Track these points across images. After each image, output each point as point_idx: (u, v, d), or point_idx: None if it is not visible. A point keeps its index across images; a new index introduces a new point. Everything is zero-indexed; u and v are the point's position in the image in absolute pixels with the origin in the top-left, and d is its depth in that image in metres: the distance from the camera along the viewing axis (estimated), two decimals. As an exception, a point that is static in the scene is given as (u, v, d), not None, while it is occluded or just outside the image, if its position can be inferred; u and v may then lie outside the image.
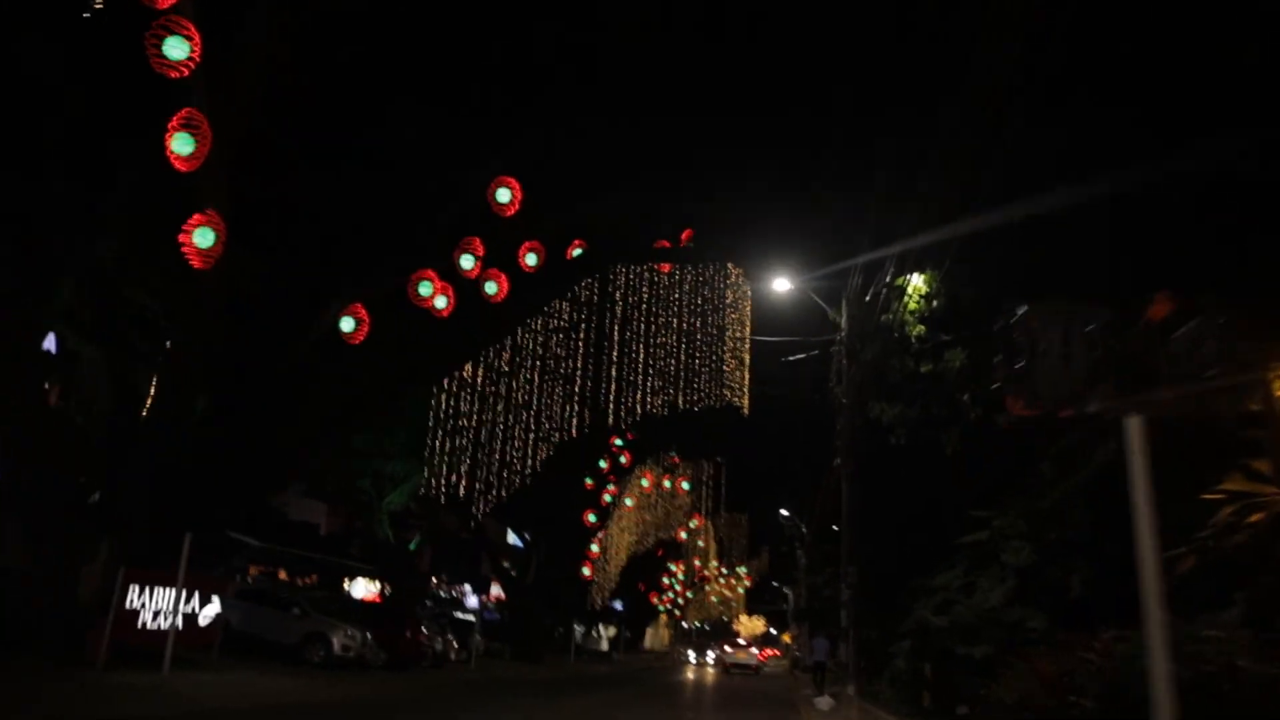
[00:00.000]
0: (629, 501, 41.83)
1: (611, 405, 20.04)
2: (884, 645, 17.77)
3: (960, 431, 17.28)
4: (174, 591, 13.93)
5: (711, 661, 40.74)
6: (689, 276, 21.59)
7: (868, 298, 15.64)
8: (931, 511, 21.00)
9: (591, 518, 39.99)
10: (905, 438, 17.55)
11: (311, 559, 29.99)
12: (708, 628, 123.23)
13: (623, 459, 41.49)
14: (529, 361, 19.60)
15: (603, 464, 38.86)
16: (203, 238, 12.88)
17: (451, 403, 20.02)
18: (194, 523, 14.12)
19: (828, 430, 22.41)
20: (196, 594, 15.17)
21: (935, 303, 15.46)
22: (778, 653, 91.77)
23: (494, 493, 22.76)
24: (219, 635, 16.30)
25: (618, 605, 68.70)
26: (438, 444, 20.66)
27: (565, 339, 19.54)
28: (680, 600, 75.51)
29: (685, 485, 41.15)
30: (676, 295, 20.92)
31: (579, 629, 53.74)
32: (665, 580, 66.28)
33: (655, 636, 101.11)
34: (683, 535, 67.16)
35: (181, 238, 12.74)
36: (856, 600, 13.76)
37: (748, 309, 23.15)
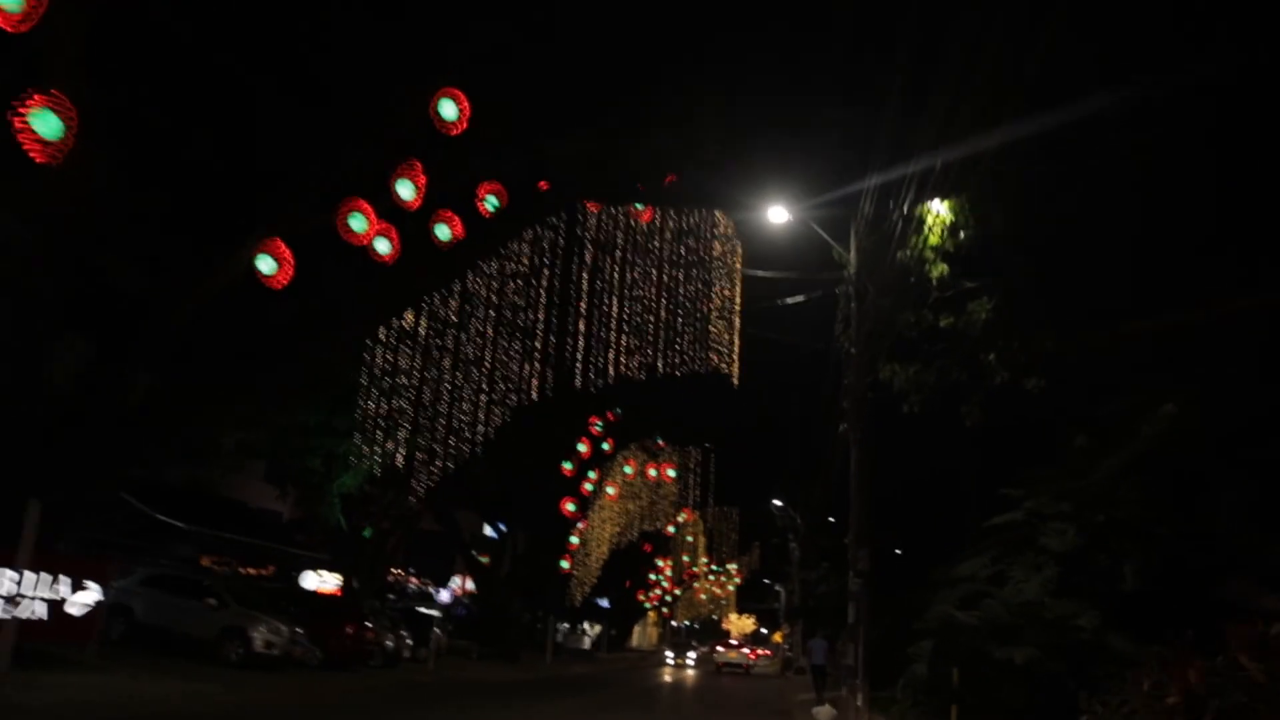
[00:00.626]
0: (611, 490, 39.14)
1: (580, 365, 17.27)
2: (893, 646, 15.24)
3: (983, 399, 14.67)
4: (14, 573, 11.17)
5: (692, 661, 37.33)
6: (671, 224, 18.88)
7: (884, 229, 12.99)
8: (949, 490, 18.35)
9: (570, 507, 37.28)
10: (920, 406, 14.87)
11: (253, 545, 27.24)
12: (697, 626, 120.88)
13: (605, 445, 38.84)
14: (482, 311, 16.82)
15: (581, 448, 36.15)
16: (44, 123, 10.13)
17: (388, 358, 17.21)
18: (48, 489, 11.37)
19: (829, 400, 19.75)
20: (64, 578, 12.42)
21: (963, 234, 12.81)
22: (768, 653, 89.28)
23: (439, 463, 19.99)
24: (98, 627, 13.55)
25: (604, 603, 66.17)
26: (371, 407, 17.86)
27: (525, 286, 16.81)
28: (669, 598, 72.83)
29: (671, 473, 38.46)
30: (656, 244, 18.23)
31: (561, 626, 51.06)
32: (652, 577, 63.62)
33: (643, 635, 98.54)
34: (671, 530, 64.64)
35: (15, 120, 9.99)
36: (865, 592, 11.18)
37: (738, 264, 20.47)
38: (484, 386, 17.91)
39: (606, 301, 17.25)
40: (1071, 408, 16.57)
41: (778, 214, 14.40)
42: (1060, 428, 16.46)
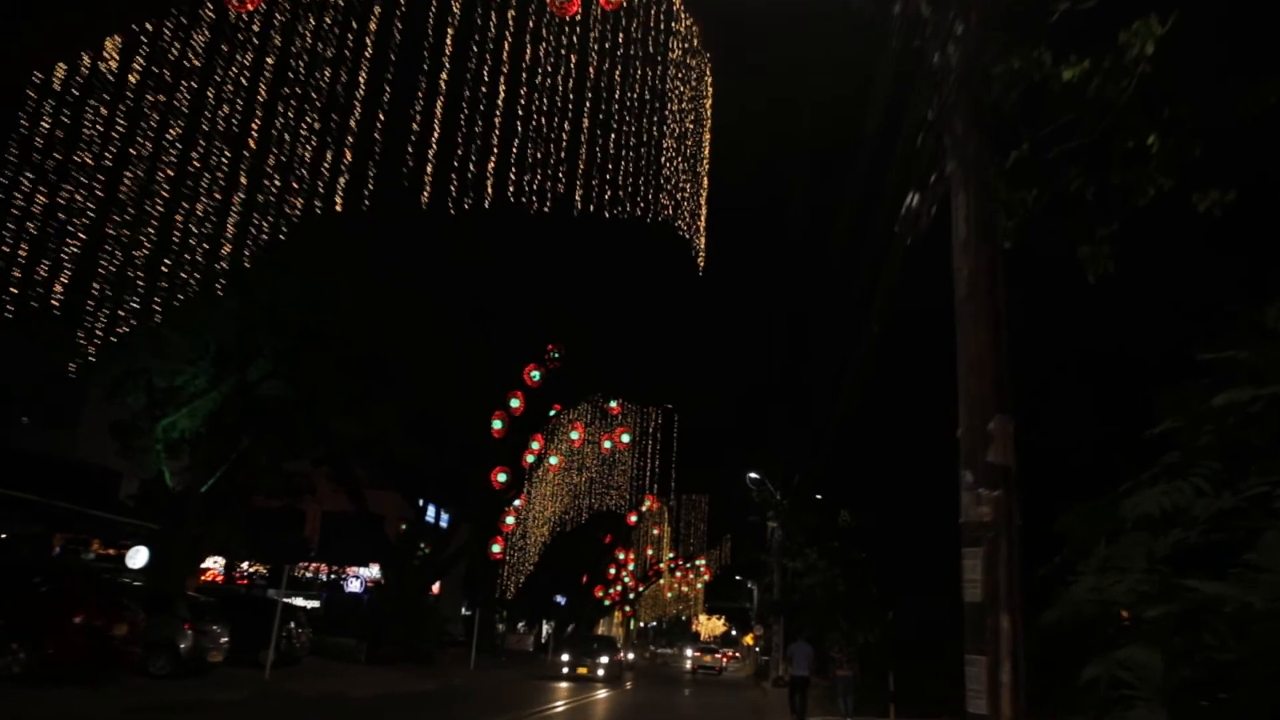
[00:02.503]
0: (554, 460, 32.36)
1: (428, 168, 10.54)
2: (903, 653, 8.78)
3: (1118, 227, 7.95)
4: None
5: (602, 674, 28.56)
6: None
7: None
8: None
9: (501, 477, 30.44)
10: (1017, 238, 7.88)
11: (54, 510, 20.26)
12: (665, 626, 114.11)
13: (553, 412, 32.18)
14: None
15: (515, 403, 29.35)
16: None
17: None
18: None
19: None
20: None
21: None
22: (737, 654, 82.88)
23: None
24: None
25: (562, 599, 59.42)
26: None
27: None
28: (631, 595, 66.09)
29: (625, 438, 31.75)
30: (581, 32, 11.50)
31: (501, 625, 44.35)
32: (611, 571, 56.84)
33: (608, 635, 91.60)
34: (633, 519, 58.06)
35: None
36: (1011, 517, 4.50)
37: (708, 95, 13.82)
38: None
39: (484, 83, 10.46)
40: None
41: None
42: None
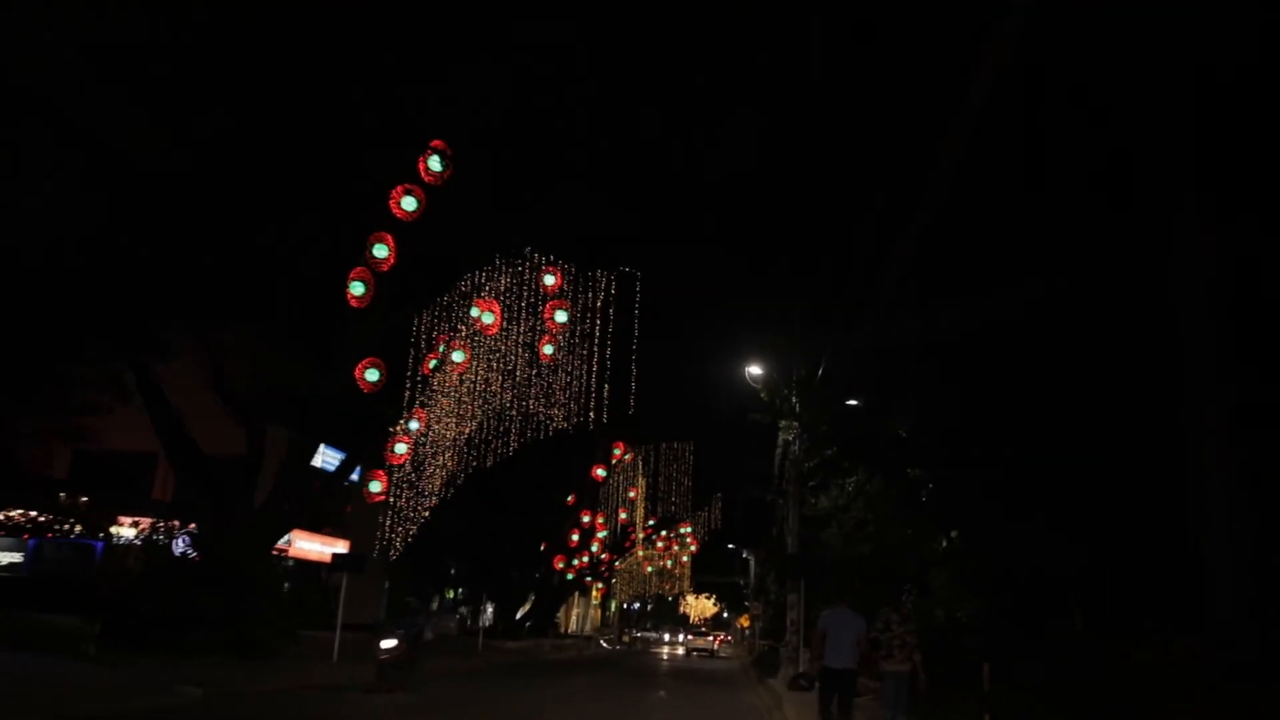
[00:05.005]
0: (459, 356, 21.76)
1: None
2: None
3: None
4: None
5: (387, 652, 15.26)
6: None
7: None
8: None
9: (371, 375, 19.94)
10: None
11: None
12: (650, 607, 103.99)
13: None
14: None
15: (382, 252, 18.83)
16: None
17: None
18: None
19: None
20: None
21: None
22: (729, 638, 73.33)
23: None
24: None
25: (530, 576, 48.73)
26: None
27: None
28: (604, 569, 55.59)
29: (561, 316, 21.10)
30: None
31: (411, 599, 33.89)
32: (575, 538, 46.29)
33: (584, 616, 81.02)
34: (600, 473, 47.60)
35: None
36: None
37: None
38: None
39: None
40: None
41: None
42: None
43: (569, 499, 46.72)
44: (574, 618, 74.85)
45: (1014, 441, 13.22)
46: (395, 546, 23.23)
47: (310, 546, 33.39)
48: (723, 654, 56.83)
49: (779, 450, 21.38)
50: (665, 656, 48.88)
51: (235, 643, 18.08)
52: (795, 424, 16.91)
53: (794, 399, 17.09)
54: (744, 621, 67.61)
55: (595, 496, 47.35)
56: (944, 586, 14.99)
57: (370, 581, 32.42)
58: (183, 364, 22.16)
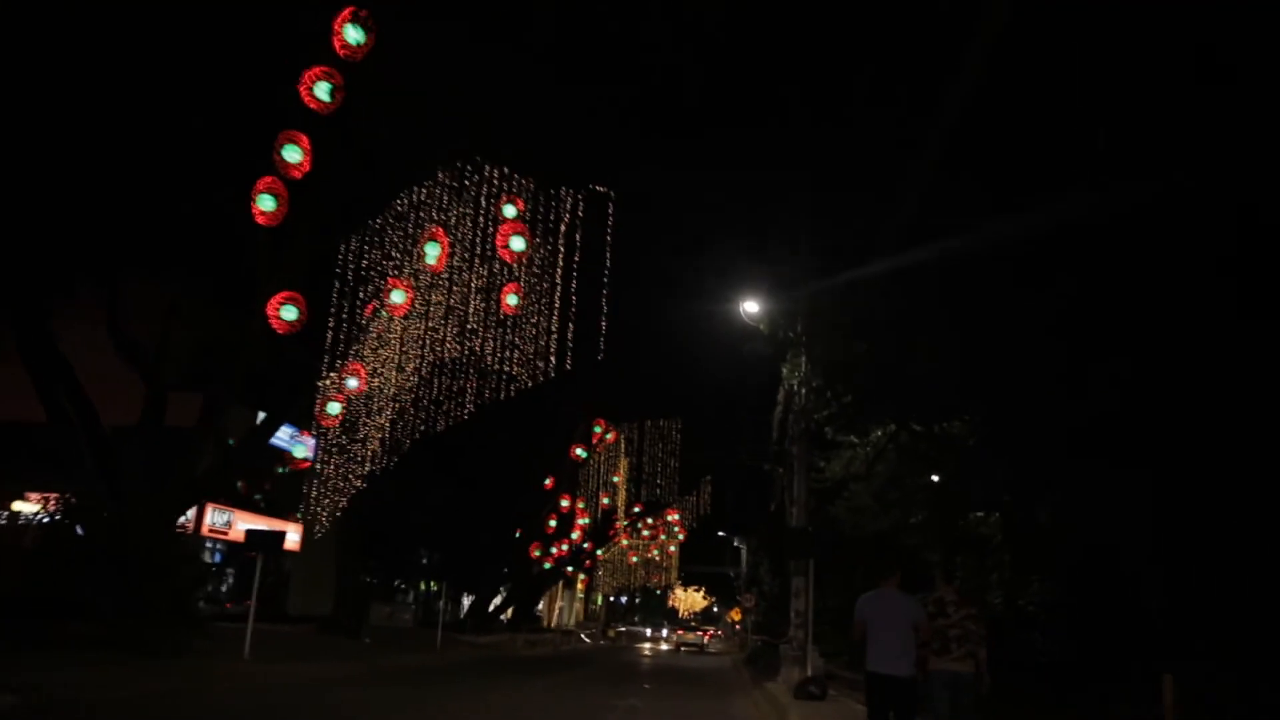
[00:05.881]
0: (399, 297, 18.21)
1: None
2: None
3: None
4: None
5: None
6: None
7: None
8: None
9: (289, 313, 16.43)
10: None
11: None
12: (638, 600, 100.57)
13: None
14: None
15: (294, 156, 15.27)
16: None
17: None
18: None
19: None
20: None
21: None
22: (719, 633, 70.32)
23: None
24: None
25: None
26: None
27: None
28: (585, 559, 51.99)
29: (519, 243, 17.51)
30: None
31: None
32: (553, 524, 42.62)
33: (569, 609, 77.35)
34: (579, 453, 44.03)
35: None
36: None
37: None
38: None
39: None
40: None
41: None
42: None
43: (546, 482, 43.05)
44: (557, 610, 71.19)
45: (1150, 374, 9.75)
46: (322, 522, 19.63)
47: (258, 529, 29.77)
48: (712, 650, 54.65)
49: (778, 410, 17.86)
50: (649, 652, 45.47)
51: (124, 637, 14.64)
52: (803, 360, 13.38)
53: (801, 331, 13.58)
54: (735, 615, 64.28)
55: (575, 479, 43.80)
56: (1005, 566, 11.62)
57: (325, 569, 28.86)
58: (83, 325, 18.73)
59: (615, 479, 47.95)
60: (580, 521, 45.68)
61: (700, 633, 61.37)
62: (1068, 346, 10.18)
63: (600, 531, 49.14)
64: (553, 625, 61.87)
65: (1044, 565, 10.97)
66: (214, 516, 27.48)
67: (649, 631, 76.12)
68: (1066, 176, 10.28)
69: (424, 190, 17.23)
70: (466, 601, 44.64)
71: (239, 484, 29.21)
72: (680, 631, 63.18)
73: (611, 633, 69.11)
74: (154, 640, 15.06)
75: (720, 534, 53.27)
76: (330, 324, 16.82)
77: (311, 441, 20.11)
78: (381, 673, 18.12)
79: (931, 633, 7.29)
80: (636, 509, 51.16)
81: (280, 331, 16.62)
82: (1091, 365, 9.85)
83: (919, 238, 10.69)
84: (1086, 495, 10.31)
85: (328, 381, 18.52)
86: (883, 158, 12.31)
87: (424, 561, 49.17)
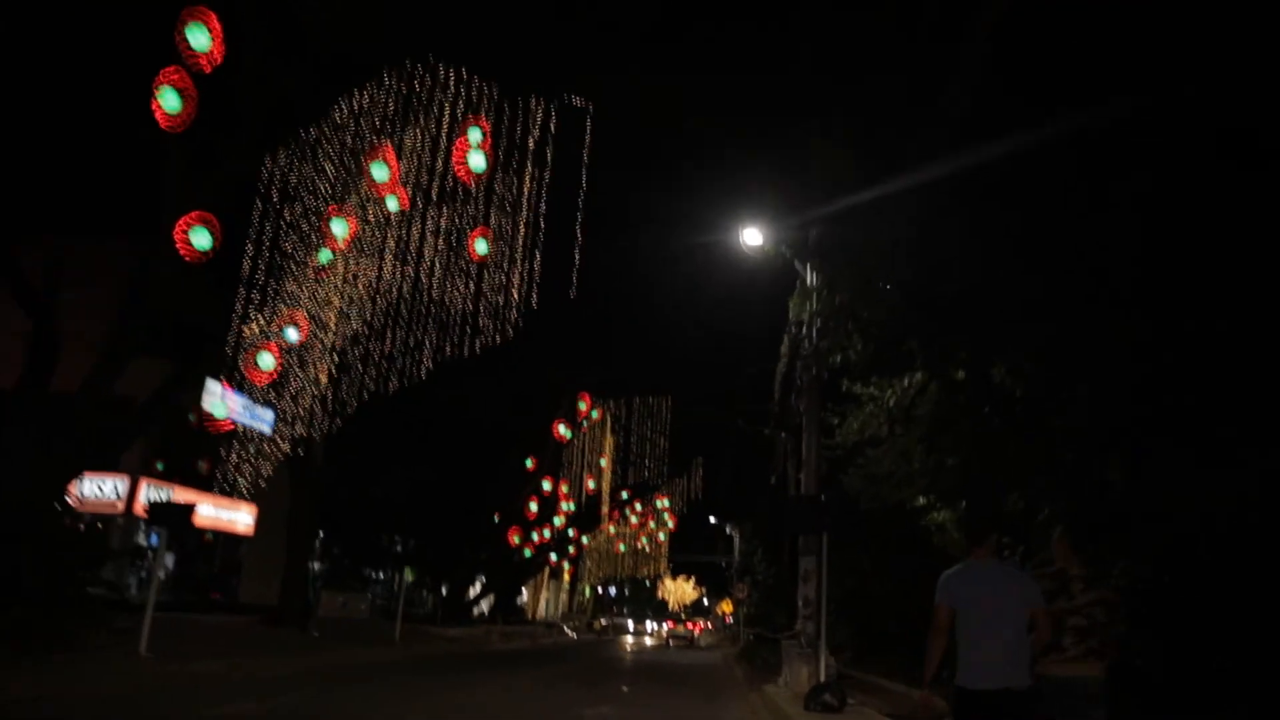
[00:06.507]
0: (340, 229, 15.43)
1: None
2: None
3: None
4: None
5: None
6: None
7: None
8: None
9: (201, 240, 13.65)
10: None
11: None
12: (627, 592, 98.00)
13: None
14: None
15: (203, 42, 12.41)
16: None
17: None
18: None
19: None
20: None
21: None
22: (709, 625, 67.97)
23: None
24: None
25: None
26: None
27: None
28: (570, 546, 49.26)
29: (478, 161, 14.76)
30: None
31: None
32: (534, 508, 39.81)
33: (555, 600, 74.66)
34: (561, 431, 41.23)
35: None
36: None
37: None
38: None
39: None
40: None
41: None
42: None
43: (529, 464, 40.13)
44: (543, 601, 68.45)
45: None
46: (244, 489, 16.83)
47: (210, 513, 27.05)
48: (703, 643, 52.28)
49: (781, 363, 15.16)
50: (634, 647, 42.84)
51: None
52: (816, 291, 10.66)
53: (817, 239, 10.84)
54: (726, 607, 61.63)
55: (558, 460, 41.09)
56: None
57: (275, 556, 26.06)
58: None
59: (603, 461, 45.24)
60: (564, 506, 42.97)
61: (690, 625, 60.69)
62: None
63: (585, 517, 46.42)
64: (536, 618, 59.18)
65: (1120, 548, 8.37)
66: (150, 493, 24.66)
67: (631, 624, 73.51)
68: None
69: (366, 95, 14.42)
70: (446, 591, 41.90)
71: (201, 462, 26.45)
72: (670, 624, 62.89)
73: (597, 625, 66.49)
74: (31, 632, 12.33)
75: (712, 519, 50.64)
76: (249, 253, 14.00)
77: (236, 398, 17.32)
78: (342, 669, 15.40)
79: (1049, 621, 4.65)
80: (625, 494, 48.55)
81: (189, 260, 13.82)
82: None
83: (972, 136, 8.12)
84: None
85: (254, 328, 15.73)
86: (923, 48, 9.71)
87: (398, 549, 46.47)
